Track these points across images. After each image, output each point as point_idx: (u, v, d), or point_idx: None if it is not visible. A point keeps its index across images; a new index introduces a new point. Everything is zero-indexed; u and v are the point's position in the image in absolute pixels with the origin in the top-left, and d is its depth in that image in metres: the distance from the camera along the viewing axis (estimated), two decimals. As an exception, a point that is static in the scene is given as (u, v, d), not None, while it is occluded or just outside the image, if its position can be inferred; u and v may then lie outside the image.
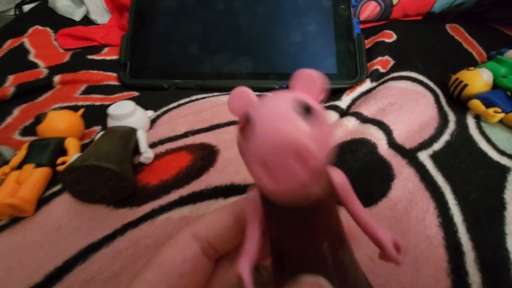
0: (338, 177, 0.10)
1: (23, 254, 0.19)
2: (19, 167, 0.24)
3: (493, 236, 0.19)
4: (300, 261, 0.09)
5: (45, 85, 0.35)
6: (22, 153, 0.25)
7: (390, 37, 0.42)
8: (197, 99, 0.34)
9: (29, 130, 0.29)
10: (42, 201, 0.22)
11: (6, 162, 0.25)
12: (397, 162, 0.25)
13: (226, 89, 0.36)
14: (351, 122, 0.28)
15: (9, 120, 0.31)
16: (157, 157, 0.26)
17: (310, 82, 0.08)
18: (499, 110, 0.27)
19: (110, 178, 0.20)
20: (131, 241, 0.20)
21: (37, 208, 0.22)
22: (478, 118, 0.29)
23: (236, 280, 0.10)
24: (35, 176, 0.23)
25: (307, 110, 0.08)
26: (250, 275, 0.09)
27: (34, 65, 0.39)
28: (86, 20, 0.52)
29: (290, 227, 0.09)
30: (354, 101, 0.33)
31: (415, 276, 0.18)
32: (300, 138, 0.07)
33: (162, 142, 0.27)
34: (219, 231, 0.12)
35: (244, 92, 0.09)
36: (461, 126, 0.28)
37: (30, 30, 0.47)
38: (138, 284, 0.11)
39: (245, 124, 0.08)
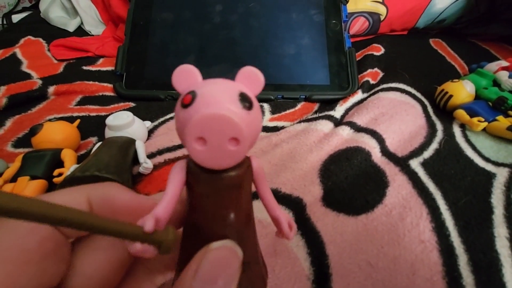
0: (256, 163, 0.11)
1: None
2: (13, 180, 0.23)
3: (483, 239, 0.20)
4: (211, 229, 0.10)
5: (39, 96, 0.35)
6: (16, 165, 0.24)
7: (378, 50, 0.44)
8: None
9: (22, 142, 0.29)
10: (38, 214, 0.22)
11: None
12: (390, 170, 0.26)
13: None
14: (345, 131, 0.29)
15: (1, 131, 0.30)
16: (155, 167, 0.26)
17: (252, 78, 0.10)
18: (483, 119, 0.29)
19: (110, 189, 0.20)
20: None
21: (32, 221, 0.21)
22: (463, 127, 0.31)
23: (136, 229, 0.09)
24: (30, 189, 0.22)
25: (247, 102, 0.09)
26: (151, 225, 0.09)
27: (27, 76, 0.38)
28: (80, 31, 0.52)
29: (207, 196, 0.10)
30: (347, 111, 0.34)
31: (412, 280, 0.18)
32: (240, 124, 0.09)
33: (160, 152, 0.27)
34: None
35: (191, 71, 0.10)
36: (448, 134, 0.29)
37: (21, 41, 0.47)
38: None
39: (189, 99, 0.09)
